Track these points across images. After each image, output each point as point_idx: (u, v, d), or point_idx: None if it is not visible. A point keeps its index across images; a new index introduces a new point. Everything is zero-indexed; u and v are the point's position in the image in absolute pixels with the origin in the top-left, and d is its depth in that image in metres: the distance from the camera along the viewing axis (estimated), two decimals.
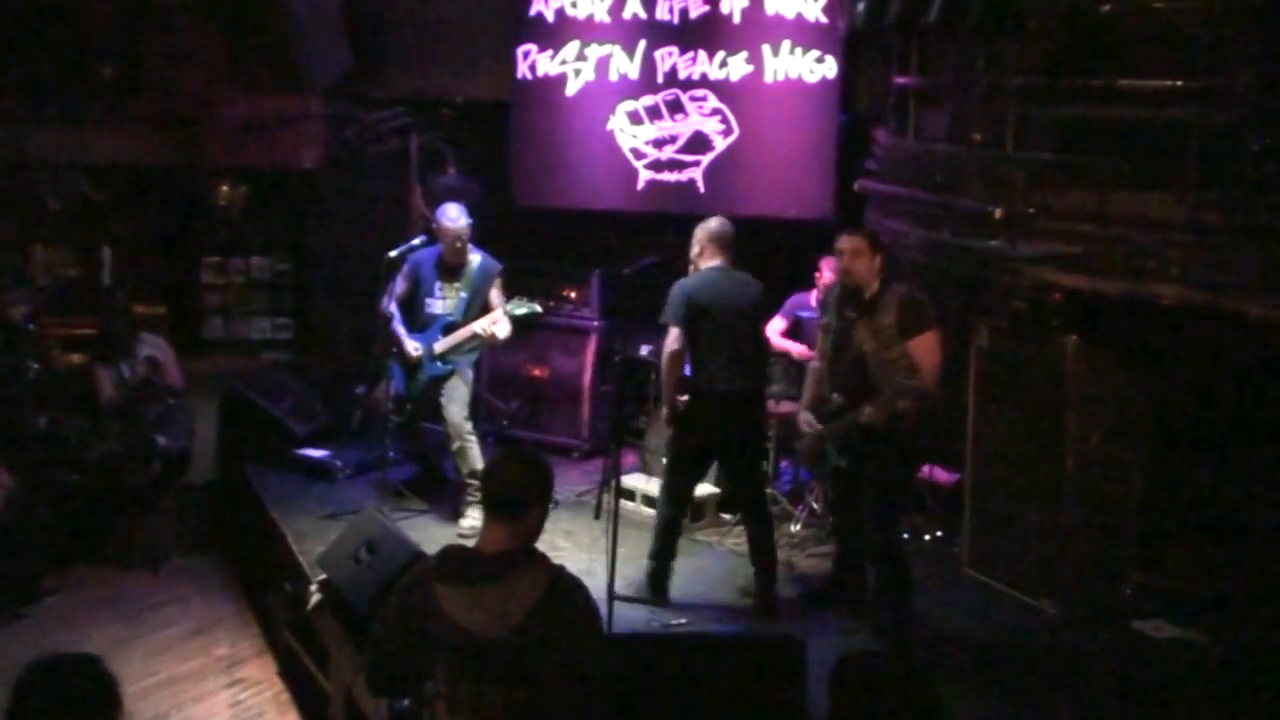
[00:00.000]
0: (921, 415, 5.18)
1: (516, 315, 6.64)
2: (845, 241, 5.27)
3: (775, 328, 7.18)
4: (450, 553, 3.13)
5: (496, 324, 6.59)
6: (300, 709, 5.83)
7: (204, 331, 9.26)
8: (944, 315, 5.95)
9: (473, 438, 6.69)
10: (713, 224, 5.84)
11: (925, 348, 5.11)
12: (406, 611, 3.06)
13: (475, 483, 6.54)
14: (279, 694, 5.98)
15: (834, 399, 5.28)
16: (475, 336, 6.64)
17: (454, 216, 6.66)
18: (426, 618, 3.00)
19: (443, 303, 6.75)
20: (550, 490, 3.20)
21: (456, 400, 6.68)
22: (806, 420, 5.49)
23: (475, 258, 6.75)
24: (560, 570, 3.10)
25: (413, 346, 6.72)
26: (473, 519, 6.47)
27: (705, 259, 5.78)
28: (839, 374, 5.30)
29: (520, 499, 3.08)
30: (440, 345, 6.71)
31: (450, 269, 6.75)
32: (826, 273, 7.02)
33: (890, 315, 5.12)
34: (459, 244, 6.66)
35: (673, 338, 5.62)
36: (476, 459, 6.61)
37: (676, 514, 5.87)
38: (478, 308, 6.71)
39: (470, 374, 6.84)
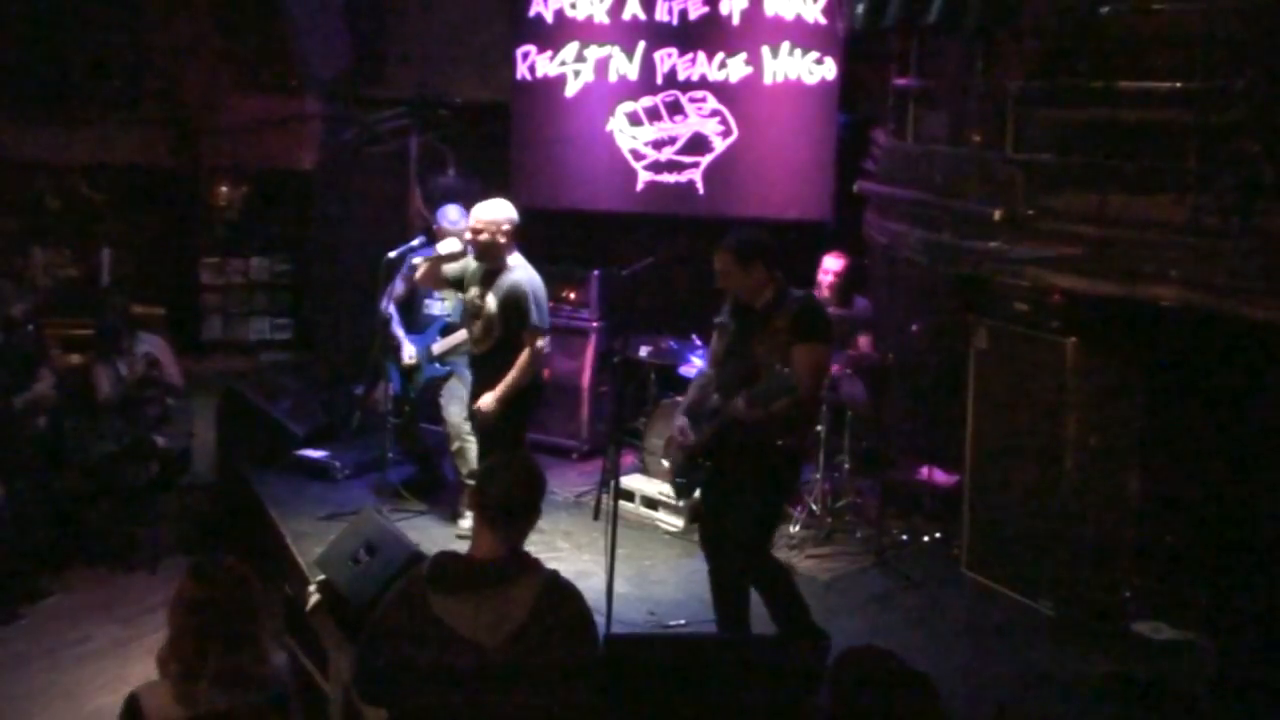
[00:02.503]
0: (796, 443, 4.91)
1: None
2: (716, 259, 4.92)
3: None
4: (443, 560, 3.10)
5: None
6: (298, 710, 5.82)
7: (203, 332, 9.27)
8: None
9: (472, 438, 6.67)
10: (508, 205, 5.95)
11: (808, 356, 4.70)
12: (400, 620, 3.02)
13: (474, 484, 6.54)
14: None
15: (713, 399, 4.95)
16: None
17: (454, 219, 6.66)
18: (421, 626, 2.97)
19: (441, 304, 6.76)
20: (542, 496, 3.20)
21: (455, 401, 6.69)
22: (681, 428, 5.03)
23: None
24: (553, 575, 3.09)
25: (408, 353, 6.72)
26: (472, 519, 6.46)
27: (512, 246, 5.92)
28: (726, 376, 4.95)
29: (514, 507, 3.07)
30: (438, 346, 6.71)
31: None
32: (830, 274, 7.04)
33: (784, 320, 4.78)
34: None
35: (545, 343, 5.90)
36: (475, 459, 6.61)
37: None
38: None
39: (469, 375, 6.82)
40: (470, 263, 6.08)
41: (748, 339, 4.87)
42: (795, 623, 4.96)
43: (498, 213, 5.90)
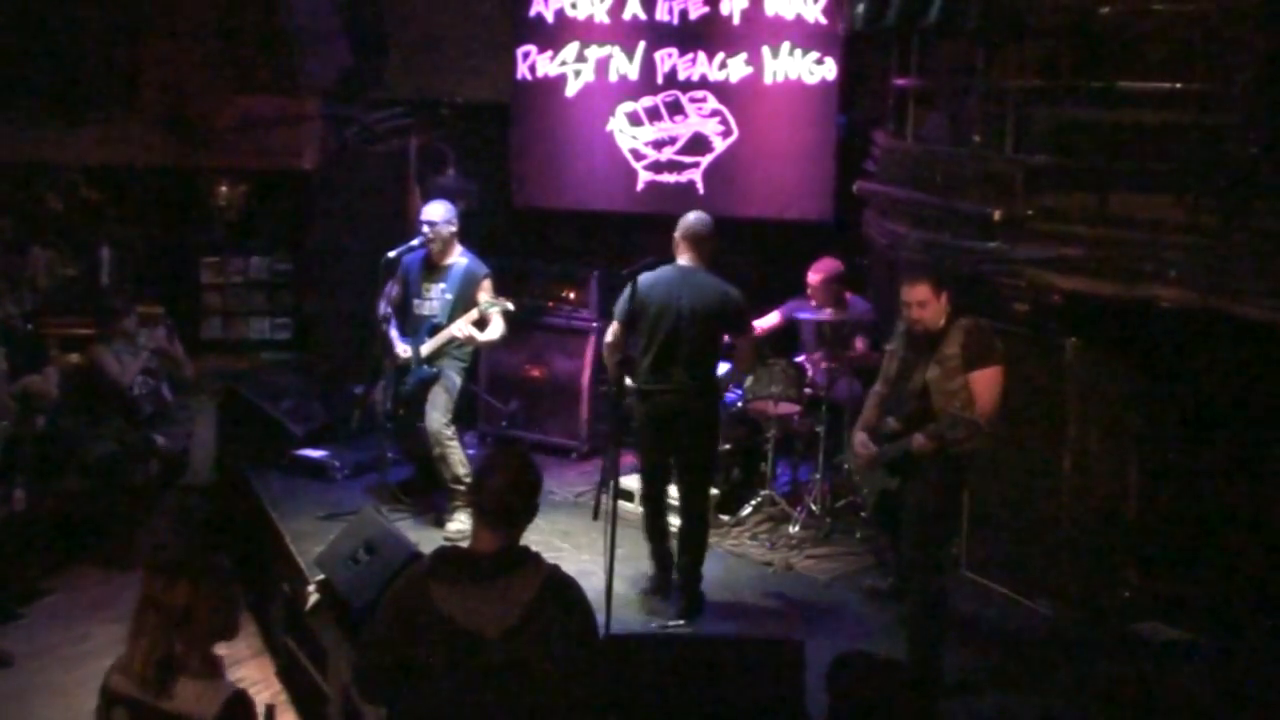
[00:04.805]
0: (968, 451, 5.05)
1: (486, 311, 6.57)
2: (910, 292, 5.08)
3: (765, 323, 7.20)
4: (444, 553, 3.14)
5: (475, 324, 6.54)
6: (298, 709, 5.82)
7: (203, 331, 9.26)
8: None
9: (453, 444, 6.60)
10: (689, 218, 5.86)
11: (986, 381, 4.95)
12: (400, 613, 3.04)
13: (459, 488, 6.49)
14: (277, 694, 5.98)
15: (889, 423, 5.21)
16: (455, 338, 6.59)
17: (429, 209, 6.70)
18: (422, 618, 2.99)
19: (429, 304, 6.71)
20: (539, 493, 3.20)
21: (438, 407, 6.60)
22: (862, 441, 5.34)
23: (463, 260, 6.70)
24: (554, 569, 3.11)
25: (401, 350, 6.70)
26: (459, 523, 6.43)
27: (678, 255, 5.82)
28: (899, 400, 5.22)
29: (511, 503, 3.08)
30: (426, 348, 6.66)
31: (433, 268, 6.73)
32: (811, 286, 7.05)
33: (955, 346, 4.99)
34: (430, 235, 6.65)
35: (611, 330, 5.77)
36: (458, 464, 6.53)
37: (647, 513, 6.02)
38: (463, 310, 6.65)
39: (456, 379, 6.72)
40: None
41: (918, 363, 5.09)
42: (925, 656, 4.96)
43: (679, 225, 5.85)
